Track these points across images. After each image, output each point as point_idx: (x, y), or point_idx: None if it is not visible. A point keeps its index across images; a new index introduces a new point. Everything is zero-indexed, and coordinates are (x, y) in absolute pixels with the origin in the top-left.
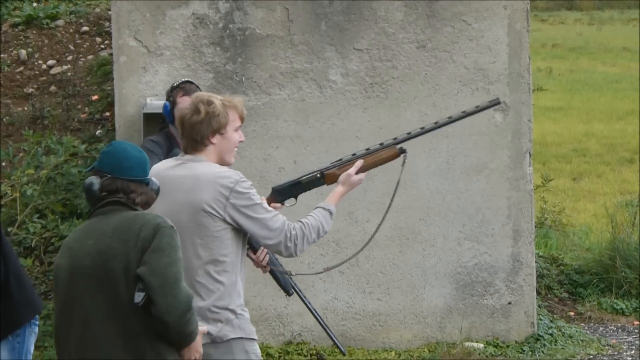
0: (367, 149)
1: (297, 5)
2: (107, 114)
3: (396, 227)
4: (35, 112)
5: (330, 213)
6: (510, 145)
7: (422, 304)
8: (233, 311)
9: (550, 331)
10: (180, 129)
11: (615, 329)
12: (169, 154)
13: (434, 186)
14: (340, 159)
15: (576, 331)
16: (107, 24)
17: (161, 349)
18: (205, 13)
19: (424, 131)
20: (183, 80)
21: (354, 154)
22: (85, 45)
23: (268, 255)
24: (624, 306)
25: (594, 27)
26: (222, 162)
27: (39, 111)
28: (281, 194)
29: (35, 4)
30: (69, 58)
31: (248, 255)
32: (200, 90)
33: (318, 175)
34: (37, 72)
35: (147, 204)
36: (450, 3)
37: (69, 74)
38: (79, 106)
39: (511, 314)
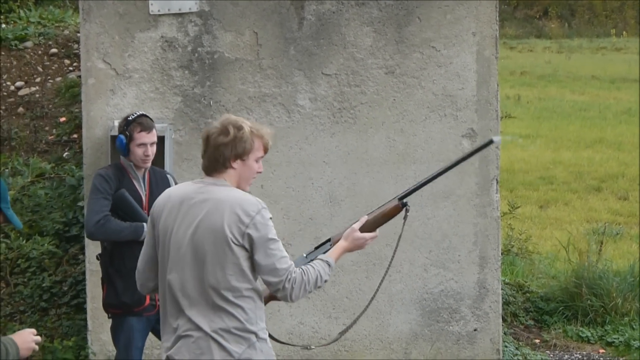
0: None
1: (266, 29)
2: (75, 136)
3: (362, 252)
4: (3, 134)
5: (329, 265)
6: (477, 172)
7: (388, 329)
8: (256, 334)
9: (515, 358)
10: (203, 147)
11: (580, 356)
12: (120, 185)
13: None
14: None
15: (542, 359)
16: (75, 46)
17: None
18: (174, 36)
19: (426, 182)
20: (139, 114)
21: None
22: (53, 67)
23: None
24: (589, 334)
25: (563, 55)
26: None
27: (7, 132)
28: None
29: (4, 25)
30: (38, 80)
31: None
32: (154, 124)
33: (329, 245)
34: (5, 93)
35: None
36: (419, 29)
37: (37, 95)
38: (47, 128)
39: (477, 340)
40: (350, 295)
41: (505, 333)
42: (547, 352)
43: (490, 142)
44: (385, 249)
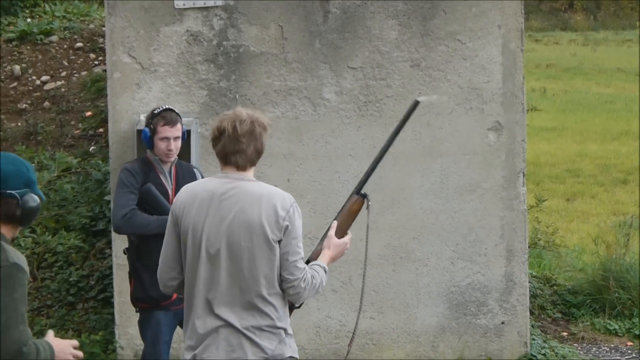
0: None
1: (291, 22)
2: (101, 130)
3: (389, 246)
4: (29, 128)
5: (325, 272)
6: (504, 165)
7: (415, 323)
8: (285, 330)
9: (543, 351)
10: (244, 140)
11: (608, 349)
12: (146, 179)
13: (428, 205)
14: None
15: (569, 351)
16: (101, 40)
17: None
18: (200, 30)
19: (375, 163)
20: (164, 107)
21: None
22: (79, 61)
23: None
24: (617, 327)
25: (589, 47)
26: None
27: (33, 127)
28: None
29: (29, 20)
30: (63, 74)
31: None
32: (180, 118)
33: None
34: (30, 88)
35: (9, 218)
36: (444, 22)
37: (63, 89)
38: (73, 122)
39: (504, 333)
40: (377, 288)
41: (532, 326)
42: (575, 344)
43: (416, 102)
44: (412, 242)
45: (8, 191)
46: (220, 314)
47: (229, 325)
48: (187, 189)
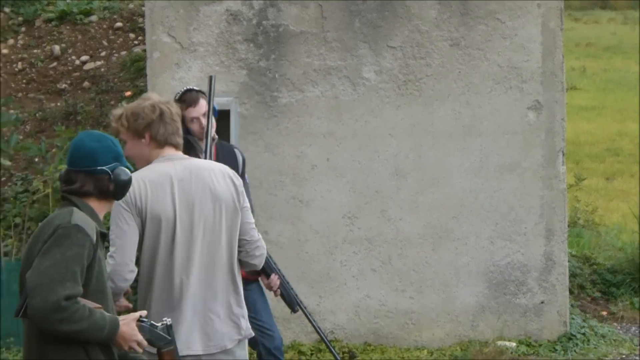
0: None
1: (331, 2)
2: None
3: (429, 225)
4: (68, 108)
5: None
6: (543, 144)
7: (454, 302)
8: (243, 309)
9: (582, 330)
10: (177, 119)
11: None
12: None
13: (467, 185)
14: None
15: (609, 331)
16: (140, 20)
17: (62, 350)
18: (239, 9)
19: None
20: (183, 90)
21: None
22: (118, 41)
23: (279, 280)
24: None
25: (628, 26)
26: None
27: (72, 107)
28: None
29: (69, 0)
30: (103, 54)
31: (260, 280)
32: (205, 96)
33: None
34: (70, 68)
35: (103, 194)
36: (483, 1)
37: (102, 69)
38: (112, 102)
39: (544, 313)
40: (417, 268)
41: (572, 305)
42: (615, 324)
43: (211, 77)
44: (452, 221)
45: (99, 167)
46: (197, 299)
47: (212, 311)
48: (138, 178)
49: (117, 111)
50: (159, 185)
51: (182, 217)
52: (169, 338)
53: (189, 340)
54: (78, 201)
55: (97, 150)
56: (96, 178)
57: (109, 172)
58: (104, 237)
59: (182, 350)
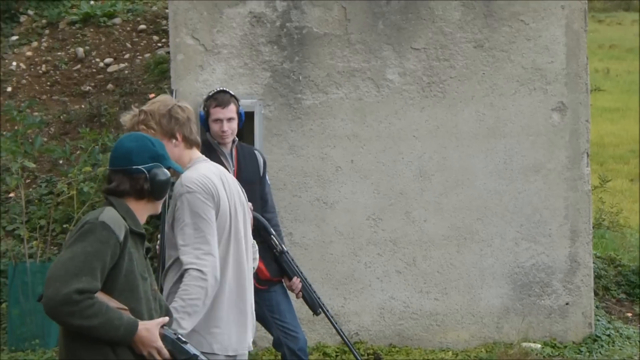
0: None
1: (355, 4)
2: None
3: (453, 226)
4: (92, 110)
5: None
6: (567, 146)
7: (479, 304)
8: None
9: (607, 332)
10: (192, 125)
11: None
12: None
13: (492, 186)
14: None
15: (634, 332)
16: (164, 22)
17: (86, 349)
18: (263, 12)
19: None
20: (217, 89)
21: None
22: (142, 44)
23: (301, 283)
24: None
25: None
26: None
27: (96, 109)
28: None
29: (92, 2)
30: (126, 56)
31: (282, 282)
32: (236, 100)
33: None
34: (94, 70)
35: (139, 193)
36: (507, 3)
37: (126, 72)
38: (136, 104)
39: (569, 314)
40: (442, 269)
41: (597, 307)
42: None
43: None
44: (476, 222)
45: (134, 167)
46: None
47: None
48: (208, 173)
49: (136, 114)
50: (218, 183)
51: (233, 215)
52: (193, 354)
53: (247, 337)
54: (115, 200)
55: (133, 149)
56: (132, 177)
57: (145, 171)
58: (141, 237)
59: (245, 348)
